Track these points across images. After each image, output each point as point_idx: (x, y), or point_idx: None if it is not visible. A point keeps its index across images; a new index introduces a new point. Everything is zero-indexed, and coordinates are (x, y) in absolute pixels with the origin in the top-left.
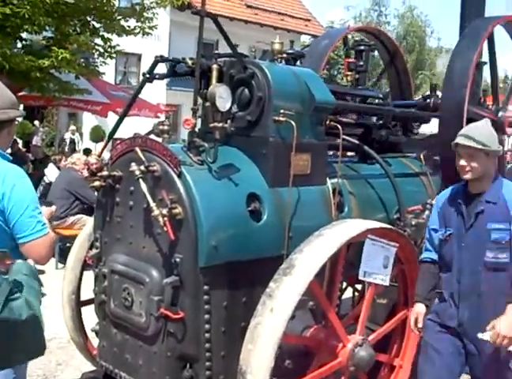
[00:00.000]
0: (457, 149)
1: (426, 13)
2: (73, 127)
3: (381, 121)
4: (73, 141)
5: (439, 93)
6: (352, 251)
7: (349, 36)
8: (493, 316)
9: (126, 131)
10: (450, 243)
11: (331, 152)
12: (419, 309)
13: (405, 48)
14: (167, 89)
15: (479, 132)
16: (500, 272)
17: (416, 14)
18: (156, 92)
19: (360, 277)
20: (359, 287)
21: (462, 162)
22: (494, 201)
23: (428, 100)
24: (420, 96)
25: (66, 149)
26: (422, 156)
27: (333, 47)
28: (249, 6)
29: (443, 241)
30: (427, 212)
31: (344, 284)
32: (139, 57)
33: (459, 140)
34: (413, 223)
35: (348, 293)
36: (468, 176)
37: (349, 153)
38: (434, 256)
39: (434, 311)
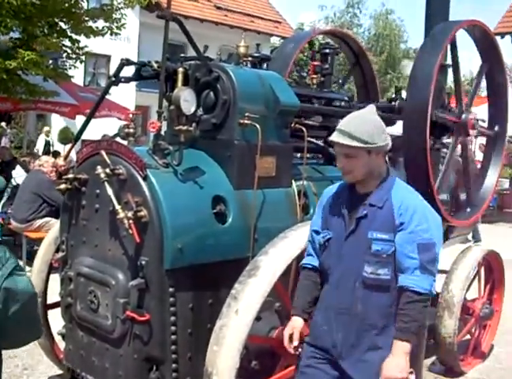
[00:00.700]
0: (335, 148)
1: (405, 16)
2: (46, 128)
3: None
4: (48, 143)
5: (404, 95)
6: None
7: (319, 38)
8: (370, 343)
9: (95, 133)
10: (329, 250)
11: (298, 154)
12: (296, 323)
13: (376, 50)
14: (136, 91)
15: (356, 126)
16: (381, 292)
17: (392, 18)
18: (125, 94)
19: None
20: None
21: (340, 162)
22: (379, 205)
23: (393, 103)
24: (385, 99)
25: (40, 152)
26: (387, 157)
27: (298, 51)
28: (219, 8)
29: (322, 246)
30: None
31: None
32: (108, 58)
33: (333, 136)
34: None
35: None
36: (348, 178)
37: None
38: (316, 262)
39: (310, 329)
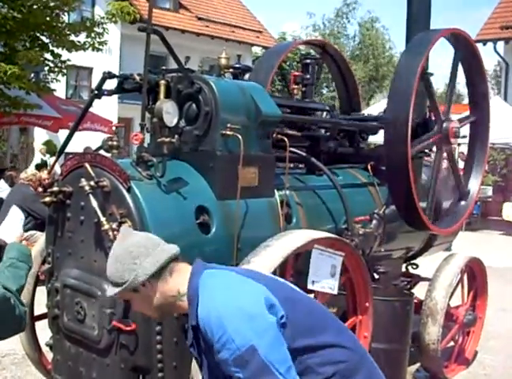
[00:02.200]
0: None
1: (393, 24)
2: (42, 146)
3: (328, 133)
4: (45, 164)
5: None
6: (301, 261)
7: (301, 48)
8: None
9: (78, 145)
10: None
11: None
12: None
13: (360, 59)
14: (118, 103)
15: (109, 268)
16: None
17: (376, 27)
18: (108, 106)
19: (309, 286)
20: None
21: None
22: (193, 323)
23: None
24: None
25: (30, 170)
26: (369, 167)
27: (280, 61)
28: (200, 18)
29: None
30: (374, 222)
31: None
32: (90, 70)
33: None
34: (361, 232)
35: None
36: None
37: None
38: None
39: None
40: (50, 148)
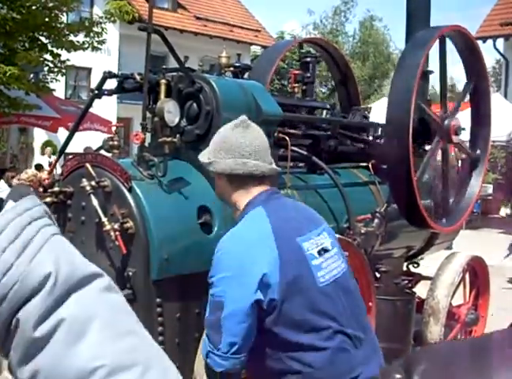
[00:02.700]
0: None
1: (390, 22)
2: (49, 148)
3: (329, 132)
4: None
5: None
6: None
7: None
8: None
9: (77, 146)
10: None
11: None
12: None
13: (360, 57)
14: (118, 103)
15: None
16: None
17: (376, 25)
18: (107, 106)
19: None
20: None
21: None
22: None
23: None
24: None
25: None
26: (371, 165)
27: (279, 60)
28: (198, 18)
29: None
30: (376, 221)
31: None
32: (89, 71)
33: None
34: (363, 231)
35: None
36: None
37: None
38: None
39: None
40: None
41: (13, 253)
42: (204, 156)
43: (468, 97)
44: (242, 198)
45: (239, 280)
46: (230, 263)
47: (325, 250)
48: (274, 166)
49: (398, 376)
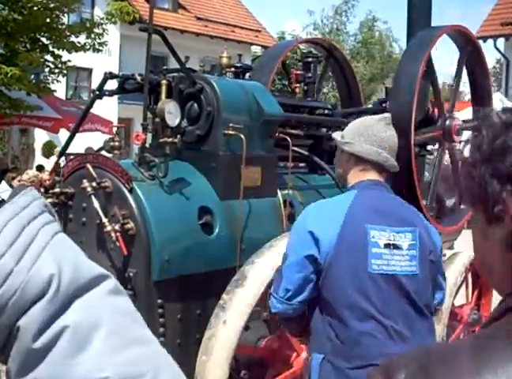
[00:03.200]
0: None
1: (394, 21)
2: (58, 149)
3: (330, 132)
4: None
5: None
6: None
7: (301, 47)
8: None
9: (78, 146)
10: None
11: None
12: None
13: (362, 57)
14: (119, 103)
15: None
16: None
17: (378, 26)
18: (108, 107)
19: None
20: None
21: None
22: None
23: (384, 104)
24: (376, 99)
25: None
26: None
27: (280, 60)
28: (199, 18)
29: None
30: None
31: None
32: (90, 71)
33: None
34: None
35: None
36: None
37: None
38: None
39: None
40: (50, 148)
41: (13, 257)
42: (338, 135)
43: (469, 96)
44: (355, 179)
45: (300, 237)
46: (300, 223)
47: (397, 247)
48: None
49: None
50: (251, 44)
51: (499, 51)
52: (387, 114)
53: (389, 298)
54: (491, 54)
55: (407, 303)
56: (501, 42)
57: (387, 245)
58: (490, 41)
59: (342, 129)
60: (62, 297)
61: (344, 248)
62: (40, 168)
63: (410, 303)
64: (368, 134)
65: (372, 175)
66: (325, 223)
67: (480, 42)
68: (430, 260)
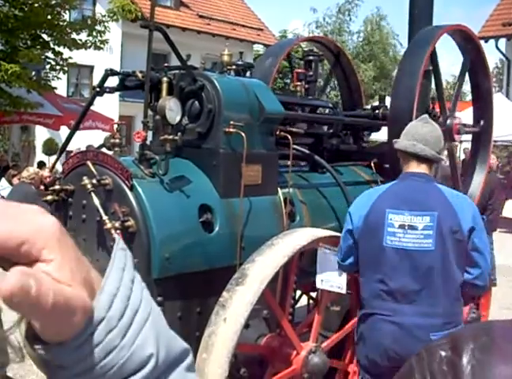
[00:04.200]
0: None
1: (397, 21)
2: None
3: (331, 131)
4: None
5: (388, 104)
6: (305, 259)
7: (302, 45)
8: None
9: (79, 144)
10: None
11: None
12: None
13: (364, 57)
14: (120, 101)
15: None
16: None
17: (382, 24)
18: (109, 104)
19: (318, 285)
20: (314, 294)
21: None
22: None
23: (377, 111)
24: (369, 106)
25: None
26: (373, 164)
27: (281, 58)
28: (201, 16)
29: None
30: None
31: (300, 292)
32: (91, 69)
33: None
34: None
35: (304, 301)
36: None
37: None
38: None
39: None
40: (51, 146)
41: (120, 332)
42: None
43: (470, 96)
44: (404, 169)
45: (347, 218)
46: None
47: (412, 228)
48: (439, 155)
49: (443, 353)
50: (253, 43)
51: (501, 52)
52: (425, 115)
53: (397, 267)
54: (493, 55)
55: (415, 273)
56: (502, 42)
57: (401, 226)
58: (491, 41)
59: (342, 129)
60: (155, 374)
61: (368, 227)
62: (42, 165)
63: (419, 273)
64: (408, 132)
65: (413, 166)
66: (358, 207)
67: (482, 42)
68: (456, 239)
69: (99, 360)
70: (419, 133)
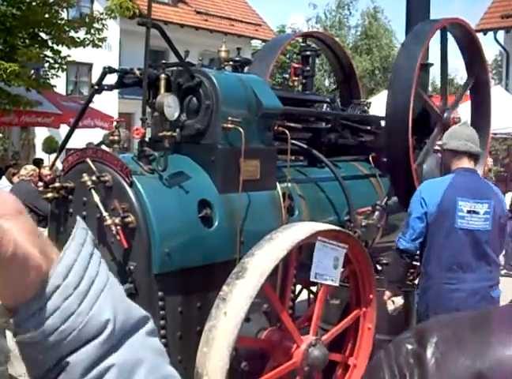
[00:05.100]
0: None
1: (392, 14)
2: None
3: (329, 125)
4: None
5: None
6: (305, 253)
7: (300, 40)
8: None
9: (79, 141)
10: None
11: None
12: None
13: (362, 50)
14: (119, 98)
15: None
16: None
17: (379, 17)
18: (108, 102)
19: (312, 279)
20: (314, 288)
21: None
22: None
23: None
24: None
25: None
26: (371, 158)
27: (279, 53)
28: (199, 12)
29: None
30: (376, 213)
31: (300, 286)
32: (90, 66)
33: None
34: (363, 224)
35: (305, 295)
36: None
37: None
38: None
39: None
40: (51, 144)
41: (77, 299)
42: (441, 142)
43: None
44: (455, 165)
45: (418, 202)
46: (417, 193)
47: (475, 212)
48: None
49: (410, 346)
50: (251, 38)
51: (499, 44)
52: (465, 120)
53: (464, 244)
54: (491, 47)
55: (477, 248)
56: (501, 34)
57: (469, 211)
58: (490, 34)
59: (340, 124)
60: (114, 338)
61: (441, 211)
62: (38, 162)
63: (480, 249)
64: (456, 134)
65: (465, 162)
66: (432, 195)
67: (480, 35)
68: (500, 222)
69: (59, 325)
70: (467, 134)
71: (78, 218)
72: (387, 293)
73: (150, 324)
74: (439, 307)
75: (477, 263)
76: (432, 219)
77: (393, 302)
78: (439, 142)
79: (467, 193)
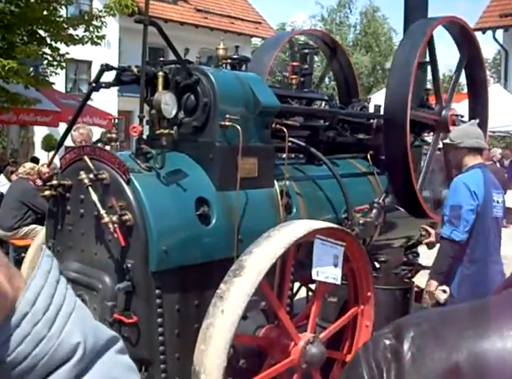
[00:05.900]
0: None
1: (391, 13)
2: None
3: (327, 123)
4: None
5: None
6: (302, 251)
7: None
8: None
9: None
10: None
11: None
12: None
13: (361, 47)
14: (118, 96)
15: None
16: None
17: (377, 15)
18: (107, 99)
19: (314, 277)
20: (312, 286)
21: None
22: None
23: (371, 121)
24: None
25: None
26: (369, 156)
27: (277, 51)
28: (199, 10)
29: None
30: (374, 211)
31: (299, 284)
32: (89, 64)
33: None
34: (361, 221)
35: (303, 293)
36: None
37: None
38: None
39: None
40: (50, 142)
41: (46, 324)
42: (448, 140)
43: (465, 88)
44: (471, 161)
45: (468, 195)
46: (464, 187)
47: (498, 202)
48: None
49: (388, 341)
50: (251, 36)
51: (498, 42)
52: (474, 120)
53: (496, 230)
54: (490, 46)
55: (499, 233)
56: (500, 33)
57: (497, 201)
58: (489, 32)
59: (339, 121)
60: (86, 360)
61: (485, 202)
62: (35, 160)
63: (499, 233)
64: (468, 133)
65: (479, 159)
66: (478, 187)
67: (479, 33)
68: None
69: (31, 350)
70: (478, 133)
71: (43, 246)
72: (434, 283)
73: (120, 343)
74: (489, 288)
75: (498, 246)
76: (480, 210)
77: (444, 291)
78: (445, 141)
79: (494, 185)
